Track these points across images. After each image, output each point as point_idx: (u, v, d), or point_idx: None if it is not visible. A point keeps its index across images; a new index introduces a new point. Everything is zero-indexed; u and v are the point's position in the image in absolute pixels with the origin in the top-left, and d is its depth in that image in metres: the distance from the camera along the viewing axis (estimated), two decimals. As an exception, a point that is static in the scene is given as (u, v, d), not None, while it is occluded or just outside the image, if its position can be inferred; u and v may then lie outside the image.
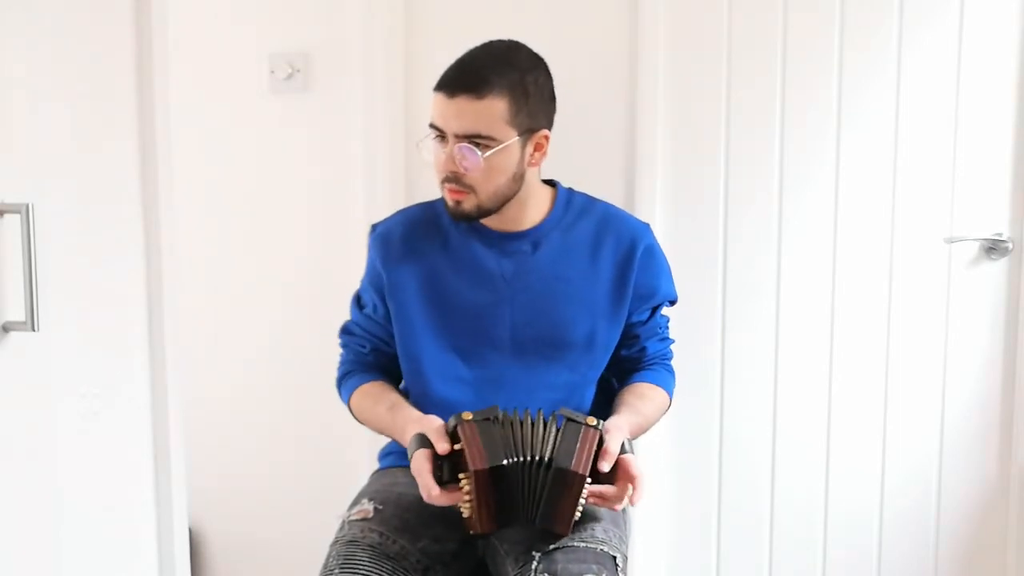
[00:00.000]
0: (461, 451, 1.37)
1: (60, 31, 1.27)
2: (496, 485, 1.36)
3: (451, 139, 1.50)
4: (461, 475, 1.37)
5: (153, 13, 1.45)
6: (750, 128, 2.04)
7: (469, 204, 1.54)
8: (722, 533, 2.15)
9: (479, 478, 1.35)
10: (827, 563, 2.11)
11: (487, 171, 1.50)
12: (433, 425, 1.44)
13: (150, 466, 1.51)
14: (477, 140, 1.48)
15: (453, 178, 1.52)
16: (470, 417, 1.39)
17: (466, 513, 1.39)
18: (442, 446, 1.38)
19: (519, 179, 1.55)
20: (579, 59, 2.05)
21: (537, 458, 1.38)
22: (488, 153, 1.48)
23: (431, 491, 1.38)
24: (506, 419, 1.42)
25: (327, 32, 2.13)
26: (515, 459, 1.37)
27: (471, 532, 1.41)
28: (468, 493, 1.36)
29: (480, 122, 1.48)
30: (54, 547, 1.28)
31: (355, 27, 2.09)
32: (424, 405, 1.60)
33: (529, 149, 1.54)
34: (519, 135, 1.51)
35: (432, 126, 1.53)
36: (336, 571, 1.44)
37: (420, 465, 1.40)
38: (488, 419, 1.40)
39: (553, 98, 1.59)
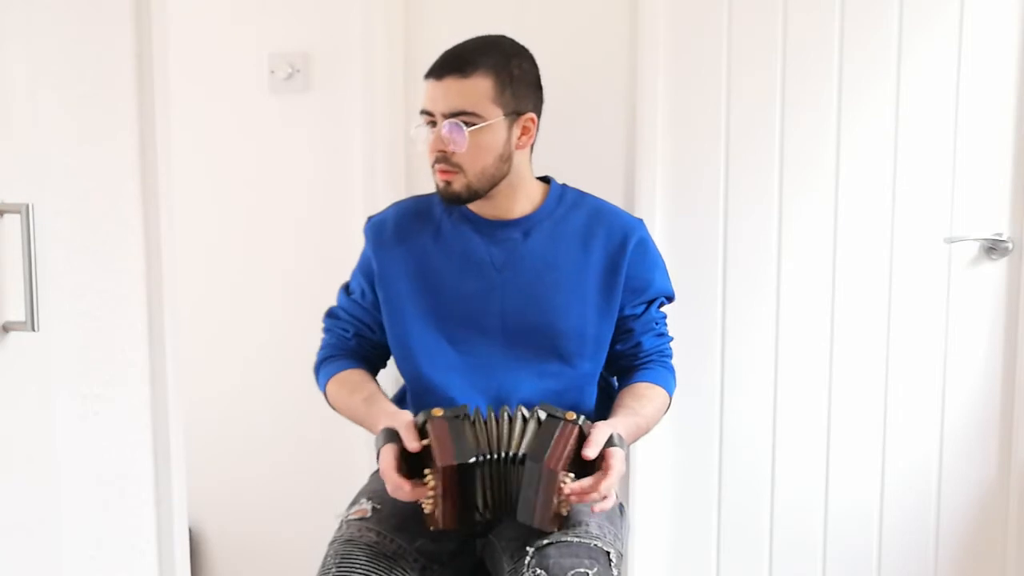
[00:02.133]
0: (429, 447, 1.37)
1: (60, 31, 1.27)
2: (461, 482, 1.37)
3: (439, 119, 1.55)
4: (427, 470, 1.37)
5: (153, 13, 1.45)
6: (750, 128, 2.04)
7: (458, 184, 1.57)
8: (722, 533, 2.15)
9: (445, 474, 1.35)
10: (827, 563, 2.11)
11: (474, 149, 1.54)
12: (403, 420, 1.44)
13: (150, 466, 1.51)
14: (463, 117, 1.53)
15: (442, 158, 1.56)
16: (440, 413, 1.40)
17: (427, 509, 1.39)
18: (412, 444, 1.39)
19: (507, 160, 1.58)
20: (579, 59, 2.05)
21: (511, 455, 1.38)
22: (473, 128, 1.52)
23: (397, 487, 1.40)
24: (478, 417, 1.42)
25: (327, 32, 2.13)
26: (484, 457, 1.38)
27: (431, 528, 1.41)
28: (433, 489, 1.36)
29: (466, 99, 1.53)
30: (54, 547, 1.28)
31: (355, 27, 2.09)
32: (418, 390, 1.63)
33: (516, 131, 1.58)
34: (505, 115, 1.55)
35: (423, 112, 1.58)
36: (333, 570, 1.44)
37: (385, 460, 1.41)
38: (458, 416, 1.40)
39: (539, 85, 1.63)
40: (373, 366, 1.72)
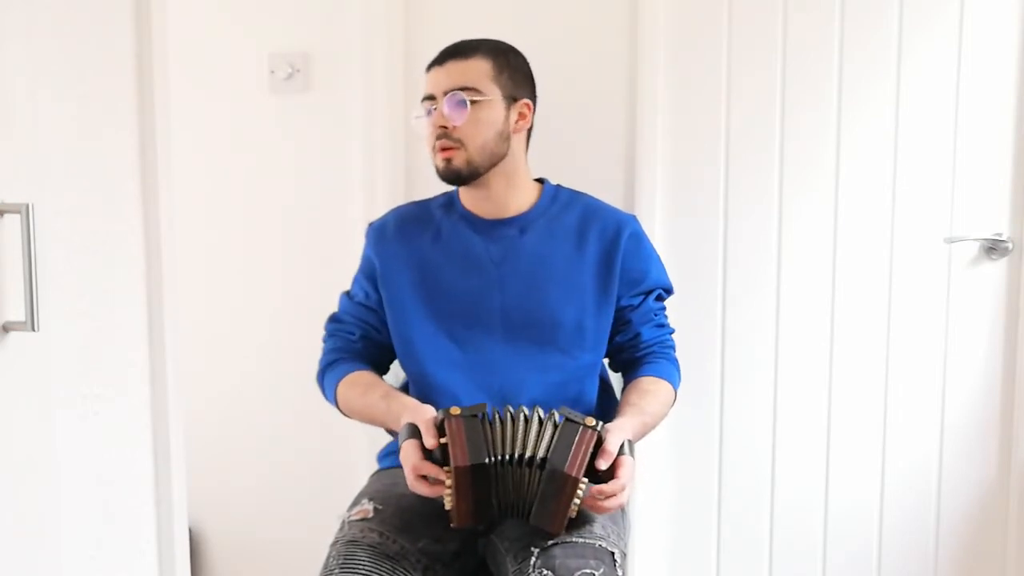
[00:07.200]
0: (447, 445, 1.38)
1: (60, 31, 1.27)
2: (475, 482, 1.38)
3: (440, 99, 1.61)
4: (444, 468, 1.38)
5: (153, 13, 1.45)
6: (750, 128, 2.04)
7: (459, 159, 1.61)
8: (722, 533, 2.15)
9: (458, 474, 1.37)
10: (827, 563, 2.11)
11: (474, 123, 1.59)
12: (425, 416, 1.45)
13: (150, 466, 1.51)
14: (464, 93, 1.59)
15: (443, 134, 1.61)
16: (457, 412, 1.41)
17: (448, 505, 1.40)
18: (430, 441, 1.40)
19: (506, 139, 1.63)
20: (579, 59, 2.06)
21: (528, 456, 1.39)
22: (474, 98, 1.59)
23: (417, 479, 1.41)
24: (496, 416, 1.43)
25: (327, 32, 2.13)
26: (498, 458, 1.39)
27: (451, 524, 1.42)
28: (449, 487, 1.37)
29: (466, 76, 1.60)
30: (54, 547, 1.28)
31: (355, 27, 2.09)
32: (422, 387, 1.64)
33: (513, 115, 1.64)
34: (503, 96, 1.62)
35: (425, 99, 1.64)
36: (336, 571, 1.44)
37: (408, 455, 1.42)
38: (475, 416, 1.41)
39: (532, 78, 1.70)
40: (380, 369, 1.72)
